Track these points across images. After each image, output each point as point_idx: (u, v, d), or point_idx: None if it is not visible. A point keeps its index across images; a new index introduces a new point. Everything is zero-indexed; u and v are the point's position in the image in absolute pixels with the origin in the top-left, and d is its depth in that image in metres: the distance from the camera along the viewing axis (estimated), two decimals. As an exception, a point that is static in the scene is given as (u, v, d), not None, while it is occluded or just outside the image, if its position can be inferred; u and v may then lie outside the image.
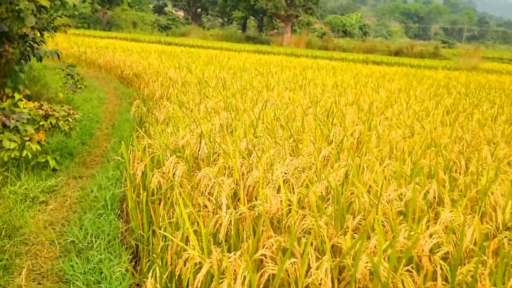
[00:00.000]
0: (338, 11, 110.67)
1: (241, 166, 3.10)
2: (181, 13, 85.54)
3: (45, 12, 7.11)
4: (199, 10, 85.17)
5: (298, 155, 3.53)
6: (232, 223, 2.35)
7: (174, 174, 3.08)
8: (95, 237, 3.12)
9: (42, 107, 4.35)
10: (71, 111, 4.52)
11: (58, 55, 7.10)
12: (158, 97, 6.81)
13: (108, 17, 57.37)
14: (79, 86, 6.37)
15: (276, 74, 11.78)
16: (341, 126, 4.79)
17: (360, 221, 2.43)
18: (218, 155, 3.44)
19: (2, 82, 6.04)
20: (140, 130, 4.61)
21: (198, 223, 2.38)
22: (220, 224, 2.32)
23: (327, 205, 2.61)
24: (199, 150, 3.44)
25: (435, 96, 9.27)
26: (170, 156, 3.32)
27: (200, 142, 3.46)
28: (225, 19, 78.17)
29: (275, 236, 2.21)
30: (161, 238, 2.55)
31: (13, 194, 3.73)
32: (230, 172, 3.11)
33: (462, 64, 25.16)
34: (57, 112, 4.32)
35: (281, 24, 70.02)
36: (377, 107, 6.80)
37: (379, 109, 6.54)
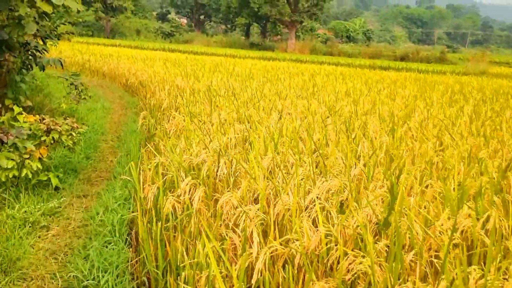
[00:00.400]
0: (341, 17, 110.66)
1: (266, 189, 2.74)
2: (184, 20, 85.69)
3: (47, 19, 6.82)
4: (202, 17, 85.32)
5: (325, 173, 3.17)
6: (265, 263, 1.98)
7: (191, 198, 2.73)
8: (102, 271, 2.75)
9: (44, 121, 4.02)
10: (75, 125, 4.18)
11: (62, 64, 6.79)
12: (166, 107, 6.47)
13: (111, 24, 57.40)
14: (83, 96, 6.04)
15: (285, 80, 11.44)
16: (366, 138, 4.42)
17: (413, 259, 2.07)
18: (238, 175, 3.08)
19: (2, 93, 5.73)
20: (149, 145, 4.27)
21: (224, 263, 2.02)
22: (251, 265, 1.95)
23: (376, 240, 2.25)
24: (217, 170, 3.08)
25: (454, 103, 8.90)
26: (185, 177, 2.96)
27: (219, 161, 3.10)
28: (229, 25, 78.25)
29: (319, 281, 1.85)
30: (180, 280, 2.19)
31: (11, 219, 3.38)
32: (255, 196, 2.75)
33: (470, 68, 24.77)
34: (60, 126, 3.99)
35: (285, 30, 69.92)
36: (397, 115, 6.44)
37: (400, 118, 6.17)
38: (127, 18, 60.57)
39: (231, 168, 3.13)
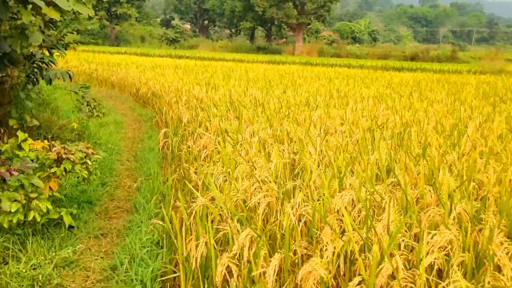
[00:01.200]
0: (345, 18, 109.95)
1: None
2: (187, 26, 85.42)
3: (54, 28, 6.19)
4: (206, 22, 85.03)
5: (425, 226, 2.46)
6: None
7: (250, 260, 2.04)
8: None
9: (54, 149, 3.36)
10: (90, 150, 3.52)
11: (70, 76, 6.14)
12: (187, 122, 5.80)
13: (116, 32, 57.14)
14: (96, 114, 5.38)
15: (303, 86, 10.76)
16: (433, 160, 3.70)
17: None
18: (306, 223, 2.38)
19: (5, 111, 5.09)
20: (176, 173, 3.59)
21: None
22: None
23: None
24: (278, 215, 2.39)
25: (493, 106, 8.16)
26: (241, 230, 2.26)
27: (282, 204, 2.41)
28: (233, 30, 77.84)
29: None
30: None
31: (15, 278, 2.71)
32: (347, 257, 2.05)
33: (487, 67, 23.95)
34: (73, 154, 3.33)
35: (290, 33, 69.36)
36: (447, 125, 5.73)
37: (452, 127, 5.46)
38: (131, 25, 60.31)
39: (297, 210, 2.43)
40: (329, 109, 6.64)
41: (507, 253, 2.01)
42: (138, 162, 5.48)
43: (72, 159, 3.35)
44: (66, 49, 6.95)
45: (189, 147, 4.41)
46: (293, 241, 2.25)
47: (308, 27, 43.52)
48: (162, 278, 2.68)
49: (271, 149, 3.76)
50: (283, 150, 3.87)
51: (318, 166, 3.35)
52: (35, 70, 5.69)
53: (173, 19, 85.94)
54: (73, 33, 6.84)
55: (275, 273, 1.91)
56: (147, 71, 13.87)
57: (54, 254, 3.00)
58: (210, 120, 5.40)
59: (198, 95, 7.59)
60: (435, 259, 1.93)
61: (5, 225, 2.88)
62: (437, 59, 38.71)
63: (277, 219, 2.40)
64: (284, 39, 70.26)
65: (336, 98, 8.17)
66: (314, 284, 1.78)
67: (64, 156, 3.34)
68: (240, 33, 77.06)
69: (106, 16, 54.36)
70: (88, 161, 3.43)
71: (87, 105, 5.39)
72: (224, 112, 5.86)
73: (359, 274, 1.87)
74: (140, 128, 7.63)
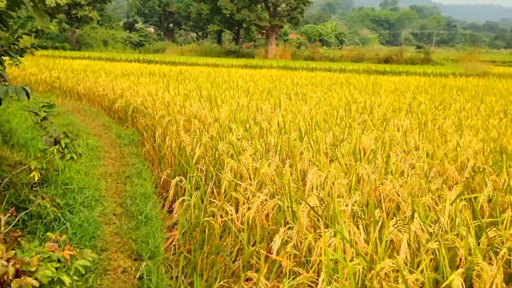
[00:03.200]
0: (310, 21, 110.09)
1: None
2: (151, 29, 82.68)
3: (5, 28, 4.42)
4: (171, 25, 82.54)
5: None
6: None
7: None
8: None
9: (9, 261, 1.69)
10: (67, 253, 1.86)
11: (28, 94, 4.37)
12: (199, 158, 4.15)
13: (77, 36, 54.04)
14: (68, 155, 3.62)
15: (309, 95, 9.29)
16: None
17: None
18: None
19: None
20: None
21: None
22: None
23: None
24: None
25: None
26: None
27: None
28: (200, 33, 75.92)
29: None
30: None
31: None
32: None
33: (471, 70, 23.38)
34: (37, 271, 1.69)
35: (258, 36, 68.10)
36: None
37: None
38: (93, 29, 57.29)
39: None
40: (364, 130, 5.17)
41: None
42: (132, 220, 3.78)
43: (34, 277, 1.68)
44: (21, 56, 5.20)
45: (224, 212, 2.77)
46: None
47: (283, 30, 42.31)
48: None
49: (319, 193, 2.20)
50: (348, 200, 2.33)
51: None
52: (-25, 87, 3.89)
53: (137, 22, 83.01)
54: (30, 35, 5.09)
55: None
56: (119, 79, 12.02)
57: None
58: (237, 159, 3.77)
59: (197, 112, 5.94)
60: None
61: None
62: (410, 62, 38.39)
63: None
64: (252, 42, 69.01)
65: (354, 111, 6.73)
66: None
67: (23, 268, 1.67)
68: (207, 36, 75.24)
69: (66, 19, 51.22)
70: (64, 277, 1.76)
71: (55, 144, 3.65)
72: (245, 143, 4.26)
73: None
74: (122, 156, 5.88)
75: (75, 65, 18.58)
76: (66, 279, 1.75)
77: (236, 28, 69.78)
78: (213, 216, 2.94)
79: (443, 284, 1.90)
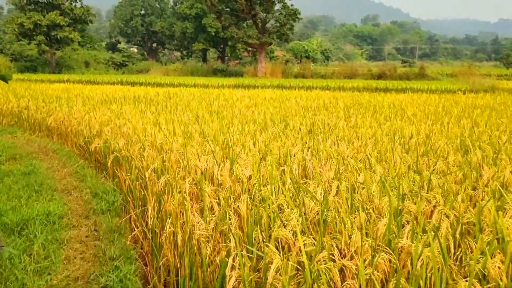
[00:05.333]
0: (294, 38, 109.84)
1: None
2: (134, 49, 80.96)
3: None
4: (155, 44, 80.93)
5: None
6: None
7: None
8: None
9: None
10: None
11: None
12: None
13: (57, 58, 51.90)
14: None
15: (335, 128, 7.53)
16: None
17: None
18: None
19: None
20: None
21: None
22: None
23: None
24: None
25: None
26: None
27: None
28: (184, 52, 74.50)
29: None
30: None
31: None
32: None
33: (478, 85, 22.02)
34: None
35: (245, 54, 66.84)
36: None
37: None
38: (74, 50, 55.26)
39: None
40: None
41: None
42: None
43: None
44: None
45: None
46: None
47: (269, 47, 40.92)
48: None
49: None
50: None
51: None
52: None
53: (120, 43, 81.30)
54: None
55: None
56: (98, 108, 10.11)
57: None
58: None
59: (207, 168, 4.08)
60: None
61: None
62: (405, 77, 37.16)
63: None
64: (238, 60, 67.75)
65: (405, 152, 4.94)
66: None
67: None
68: (191, 55, 73.83)
69: (46, 41, 49.11)
70: None
71: None
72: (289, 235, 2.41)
73: None
74: (97, 237, 3.96)
75: (50, 91, 16.58)
76: None
77: (222, 46, 68.52)
78: None
79: None
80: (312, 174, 4.06)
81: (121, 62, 60.75)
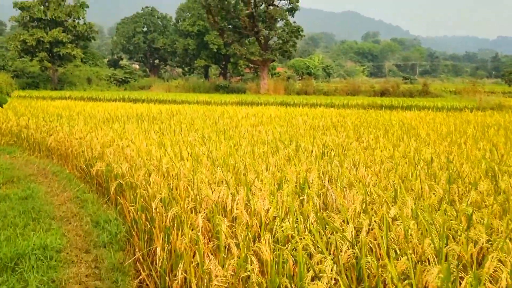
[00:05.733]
0: (295, 55, 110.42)
1: None
2: (136, 66, 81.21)
3: None
4: (157, 61, 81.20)
5: None
6: None
7: None
8: None
9: None
10: None
11: None
12: None
13: (59, 74, 51.92)
14: None
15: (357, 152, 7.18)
16: None
17: None
18: None
19: None
20: None
21: None
22: None
23: None
24: None
25: None
26: None
27: None
28: (186, 68, 74.70)
29: None
30: None
31: None
32: None
33: (484, 102, 21.75)
34: None
35: (246, 70, 66.92)
36: None
37: None
38: (77, 67, 55.35)
39: None
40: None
41: None
42: None
43: None
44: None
45: None
46: None
47: (272, 64, 40.85)
48: None
49: None
50: None
51: None
52: None
53: (122, 59, 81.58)
54: None
55: None
56: (100, 127, 9.80)
57: None
58: None
59: (222, 201, 3.71)
60: None
61: None
62: (408, 94, 36.96)
63: None
64: (240, 77, 67.85)
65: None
66: None
67: None
68: (193, 71, 73.97)
69: (48, 58, 49.19)
70: None
71: None
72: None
73: None
74: (98, 276, 3.58)
75: (52, 108, 16.31)
76: None
77: (223, 62, 68.69)
78: None
79: None
80: (335, 206, 3.70)
81: (123, 78, 60.80)
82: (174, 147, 6.36)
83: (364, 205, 3.62)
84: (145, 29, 78.33)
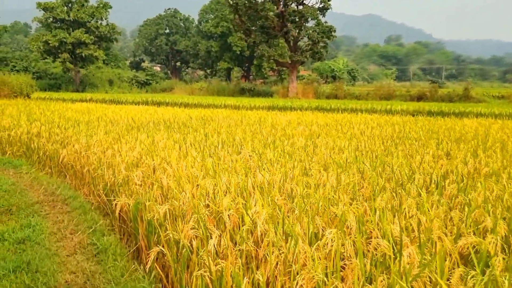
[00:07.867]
0: (327, 56, 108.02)
1: None
2: (157, 68, 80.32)
3: None
4: (178, 63, 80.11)
5: None
6: None
7: None
8: None
9: None
10: None
11: None
12: None
13: (81, 76, 51.07)
14: None
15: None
16: None
17: None
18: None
19: None
20: None
21: None
22: None
23: None
24: None
25: None
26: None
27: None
28: (208, 70, 73.37)
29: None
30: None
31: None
32: None
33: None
34: None
35: (270, 73, 65.04)
36: None
37: None
38: (99, 69, 54.46)
39: None
40: None
41: None
42: None
43: None
44: None
45: None
46: None
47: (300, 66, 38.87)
48: None
49: None
50: None
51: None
52: None
53: (143, 61, 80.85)
54: None
55: None
56: (124, 138, 8.04)
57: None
58: None
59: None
60: None
61: None
62: (447, 99, 34.52)
63: None
64: (263, 80, 66.04)
65: None
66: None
67: None
68: (215, 74, 72.45)
69: (70, 59, 48.35)
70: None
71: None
72: None
73: None
74: None
75: (70, 112, 14.73)
76: None
77: (246, 65, 67.01)
78: None
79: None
80: None
81: (145, 80, 59.79)
82: (231, 175, 4.47)
83: None
84: (167, 31, 77.43)
